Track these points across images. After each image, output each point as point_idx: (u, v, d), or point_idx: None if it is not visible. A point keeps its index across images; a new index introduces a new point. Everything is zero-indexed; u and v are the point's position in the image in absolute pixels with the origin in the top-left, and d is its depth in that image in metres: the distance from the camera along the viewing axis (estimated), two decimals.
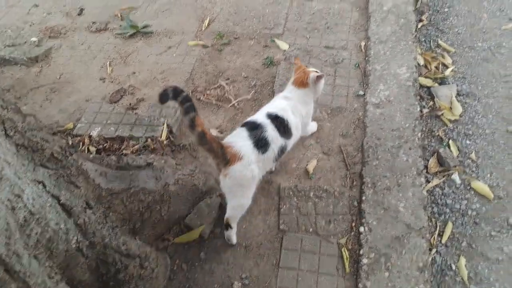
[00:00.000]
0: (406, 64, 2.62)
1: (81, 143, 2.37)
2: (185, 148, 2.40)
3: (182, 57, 2.95)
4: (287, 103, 1.95)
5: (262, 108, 1.97)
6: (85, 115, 2.53)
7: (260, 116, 1.88)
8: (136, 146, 2.30)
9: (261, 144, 1.77)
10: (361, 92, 2.56)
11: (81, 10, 3.48)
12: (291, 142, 1.95)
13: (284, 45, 2.93)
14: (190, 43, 3.05)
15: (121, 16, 3.35)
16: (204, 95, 2.67)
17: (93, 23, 3.32)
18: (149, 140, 2.33)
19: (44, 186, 1.42)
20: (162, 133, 2.37)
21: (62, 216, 1.46)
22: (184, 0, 3.46)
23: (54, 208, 1.43)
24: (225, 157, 1.71)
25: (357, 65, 2.74)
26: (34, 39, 3.13)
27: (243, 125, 1.87)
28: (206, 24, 3.19)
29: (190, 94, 2.68)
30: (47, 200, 1.41)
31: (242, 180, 1.77)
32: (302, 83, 1.96)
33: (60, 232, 1.44)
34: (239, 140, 1.77)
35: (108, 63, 2.94)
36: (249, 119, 1.92)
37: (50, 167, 1.52)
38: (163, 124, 2.42)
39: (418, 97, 2.49)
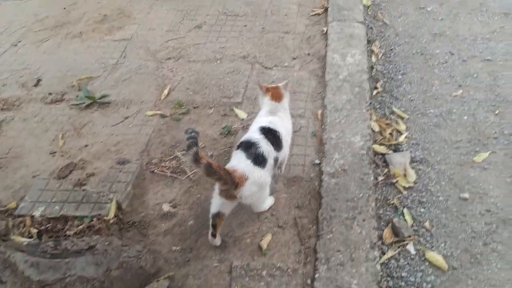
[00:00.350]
0: (360, 133, 2.64)
1: (22, 224, 2.22)
2: (134, 225, 2.28)
3: (139, 127, 2.91)
4: (274, 117, 2.21)
5: (252, 126, 2.20)
6: (29, 193, 2.41)
7: (252, 134, 2.10)
8: (81, 227, 2.17)
9: (259, 160, 1.98)
10: (317, 161, 2.54)
11: (38, 81, 3.45)
12: (282, 155, 2.19)
13: (242, 114, 2.93)
14: (148, 113, 3.02)
15: (79, 86, 3.33)
16: (158, 167, 2.60)
17: (49, 94, 3.28)
18: (94, 219, 2.21)
19: None
20: (109, 211, 2.26)
21: None
22: (146, 69, 3.49)
23: None
24: (233, 182, 1.88)
25: (314, 134, 2.75)
26: None
27: (238, 147, 2.07)
28: (166, 93, 3.19)
29: (145, 166, 2.61)
30: None
31: (254, 193, 2.01)
32: (279, 96, 2.26)
33: None
34: (240, 162, 1.97)
35: (60, 135, 2.86)
36: (242, 138, 2.13)
37: None
38: (112, 201, 2.31)
39: (373, 165, 2.49)
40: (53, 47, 3.90)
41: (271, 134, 2.09)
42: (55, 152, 2.74)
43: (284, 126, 2.22)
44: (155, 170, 2.58)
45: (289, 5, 4.15)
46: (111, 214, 2.26)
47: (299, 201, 2.34)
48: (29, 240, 2.13)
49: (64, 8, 4.51)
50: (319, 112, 2.91)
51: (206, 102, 3.09)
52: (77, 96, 3.23)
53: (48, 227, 2.21)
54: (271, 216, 2.28)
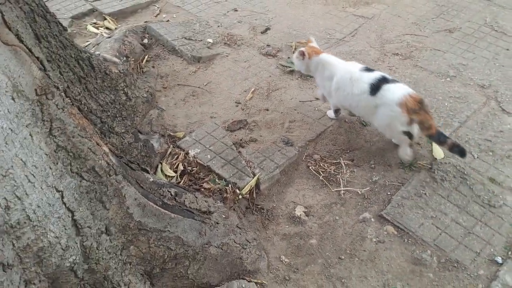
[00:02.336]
0: None
1: (176, 156, 2.35)
2: (261, 211, 2.14)
3: (321, 114, 2.67)
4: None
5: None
6: (198, 130, 2.52)
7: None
8: (214, 187, 2.15)
9: None
10: None
11: (267, 29, 3.52)
12: None
13: (439, 153, 2.34)
14: None
15: (294, 48, 3.26)
16: (316, 165, 2.35)
17: (267, 45, 3.32)
18: (229, 186, 2.16)
19: (62, 196, 1.38)
20: (246, 186, 2.17)
21: (68, 231, 1.40)
22: (365, 56, 3.15)
23: (62, 221, 1.38)
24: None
25: None
26: (210, 40, 3.30)
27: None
28: None
29: (304, 158, 2.40)
30: (57, 211, 1.36)
31: None
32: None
33: (58, 247, 1.38)
34: None
35: (252, 89, 2.88)
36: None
37: (85, 178, 1.47)
38: (254, 177, 2.20)
39: None
40: (297, 1, 3.90)
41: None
42: (239, 103, 2.77)
43: None
44: (311, 167, 2.34)
45: None
46: (246, 189, 2.16)
47: None
48: (173, 174, 2.25)
49: None
50: None
51: None
52: (288, 57, 3.16)
53: (193, 171, 2.27)
54: None
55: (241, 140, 2.47)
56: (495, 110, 2.60)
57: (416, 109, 2.06)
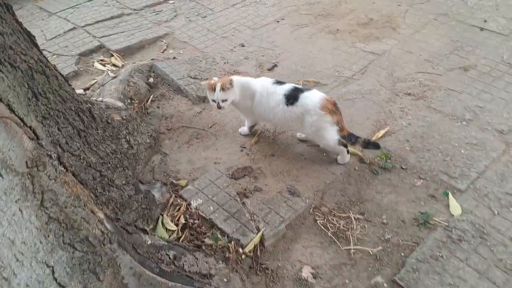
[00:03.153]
0: None
1: (178, 207, 2.26)
2: (265, 272, 2.02)
3: (330, 160, 2.56)
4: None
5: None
6: (201, 178, 2.42)
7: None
8: (215, 243, 2.04)
9: None
10: None
11: (274, 66, 3.45)
12: None
13: (456, 209, 2.20)
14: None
15: (302, 85, 3.17)
16: (324, 219, 2.23)
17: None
18: (232, 243, 2.04)
19: (53, 271, 1.29)
20: (249, 243, 2.05)
21: None
22: (375, 96, 3.04)
23: None
24: None
25: None
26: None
27: None
28: (381, 134, 2.70)
29: (311, 210, 2.27)
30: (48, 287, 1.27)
31: None
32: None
33: None
34: None
35: (258, 132, 2.79)
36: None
37: (78, 249, 1.38)
38: (257, 233, 2.09)
39: None
40: (305, 36, 3.84)
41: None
42: (244, 147, 2.68)
43: None
44: (319, 221, 2.22)
45: None
46: (250, 247, 2.04)
47: None
48: (174, 228, 2.15)
49: None
50: None
51: (418, 169, 2.46)
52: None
53: (194, 224, 2.17)
54: None
55: (245, 189, 2.37)
56: None
57: (333, 110, 2.32)
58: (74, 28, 3.97)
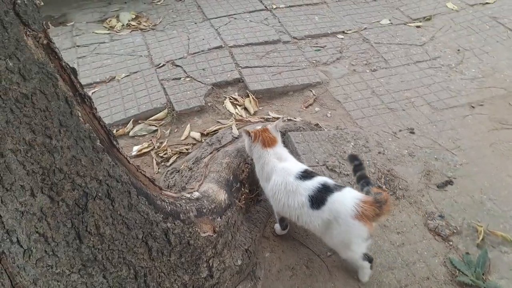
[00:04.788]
0: None
1: None
2: None
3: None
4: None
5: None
6: None
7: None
8: None
9: None
10: None
11: (447, 182, 2.41)
12: None
13: None
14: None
15: (480, 236, 2.11)
16: None
17: (439, 215, 2.22)
18: None
19: None
20: None
21: None
22: None
23: None
24: None
25: None
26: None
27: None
28: None
29: None
30: None
31: None
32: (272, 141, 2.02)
33: None
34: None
35: None
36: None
37: None
38: None
39: None
40: (508, 146, 2.63)
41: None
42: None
43: None
44: None
45: None
46: None
47: None
48: None
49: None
50: None
51: None
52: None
53: None
54: None
55: None
56: None
57: (374, 214, 1.72)
58: (221, 47, 3.44)
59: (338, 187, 1.82)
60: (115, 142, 1.34)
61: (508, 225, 2.19)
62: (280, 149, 2.04)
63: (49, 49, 1.10)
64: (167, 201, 1.63)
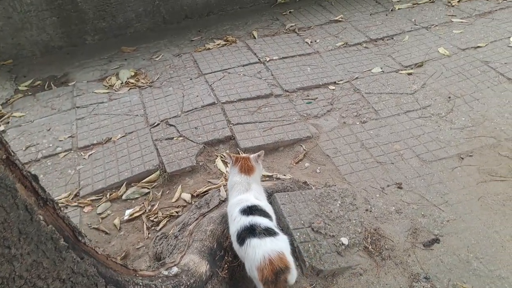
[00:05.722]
0: None
1: None
2: None
3: None
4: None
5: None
6: None
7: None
8: None
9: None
10: None
11: (434, 241, 2.39)
12: None
13: None
14: None
15: None
16: None
17: (425, 277, 2.21)
18: None
19: None
20: None
21: None
22: None
23: None
24: None
25: None
26: (344, 240, 2.36)
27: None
28: None
29: None
30: None
31: None
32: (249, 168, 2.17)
33: None
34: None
35: None
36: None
37: None
38: None
39: None
40: (497, 200, 2.62)
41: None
42: None
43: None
44: None
45: None
46: None
47: None
48: None
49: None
50: None
51: None
52: None
53: None
54: None
55: None
56: None
57: (271, 280, 1.72)
58: (214, 103, 3.56)
59: (267, 233, 1.84)
60: (80, 238, 1.41)
61: (494, 286, 2.15)
62: (253, 180, 2.17)
63: (9, 161, 1.20)
64: (141, 283, 1.68)
